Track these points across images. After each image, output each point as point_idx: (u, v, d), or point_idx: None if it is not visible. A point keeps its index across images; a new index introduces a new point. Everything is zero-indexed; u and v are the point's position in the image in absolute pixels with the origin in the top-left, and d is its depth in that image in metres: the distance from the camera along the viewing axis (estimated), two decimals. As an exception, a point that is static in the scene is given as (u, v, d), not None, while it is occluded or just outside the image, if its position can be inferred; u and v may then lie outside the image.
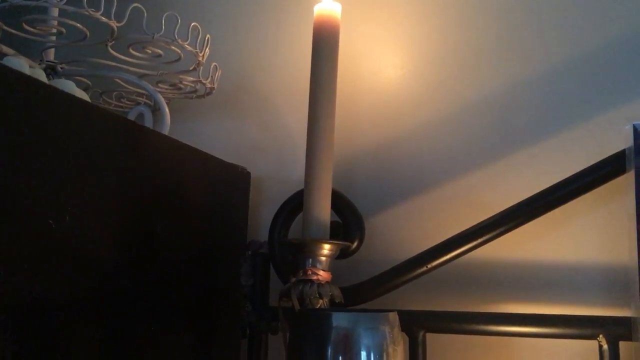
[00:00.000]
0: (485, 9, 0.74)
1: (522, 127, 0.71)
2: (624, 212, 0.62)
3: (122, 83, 0.70)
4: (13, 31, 0.58)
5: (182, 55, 0.65)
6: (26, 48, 0.61)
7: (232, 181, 0.74)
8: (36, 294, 0.42)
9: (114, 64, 0.66)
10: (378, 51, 0.78)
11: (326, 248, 0.62)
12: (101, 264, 0.49)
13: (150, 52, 0.64)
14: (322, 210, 0.63)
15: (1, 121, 0.39)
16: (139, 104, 0.73)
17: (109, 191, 0.50)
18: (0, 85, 0.39)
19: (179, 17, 0.61)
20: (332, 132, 0.65)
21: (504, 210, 0.65)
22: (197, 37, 0.64)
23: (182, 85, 0.72)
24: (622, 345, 0.59)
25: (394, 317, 0.50)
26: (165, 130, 0.64)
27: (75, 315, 0.46)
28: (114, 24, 0.57)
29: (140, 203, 0.54)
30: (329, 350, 0.47)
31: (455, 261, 0.66)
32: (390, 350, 0.48)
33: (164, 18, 0.60)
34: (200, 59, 0.66)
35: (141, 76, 0.68)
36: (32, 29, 0.59)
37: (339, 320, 0.48)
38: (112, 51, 0.63)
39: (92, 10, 0.54)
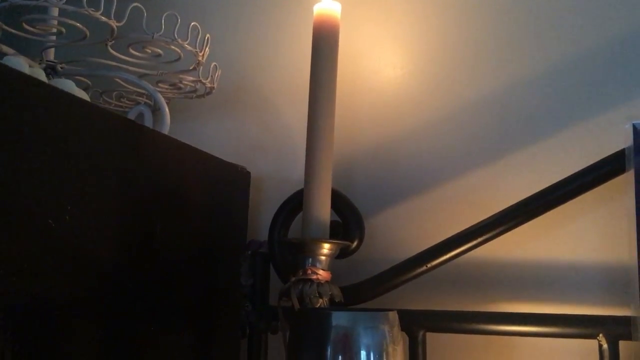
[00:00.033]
0: (485, 9, 0.74)
1: (521, 127, 0.71)
2: (623, 212, 0.62)
3: (122, 83, 0.70)
4: (13, 31, 0.58)
5: (182, 55, 0.65)
6: (26, 48, 0.61)
7: (232, 181, 0.74)
8: (36, 294, 0.42)
9: (114, 63, 0.66)
10: (378, 51, 0.78)
11: (326, 247, 0.62)
12: (101, 264, 0.49)
13: (150, 51, 0.64)
14: (322, 209, 0.63)
15: (1, 121, 0.39)
16: (139, 103, 0.73)
17: (109, 191, 0.50)
18: (0, 85, 0.39)
19: (178, 17, 0.61)
20: (332, 131, 0.65)
21: (503, 210, 0.65)
22: (197, 37, 0.64)
23: (182, 85, 0.72)
24: (622, 344, 0.59)
25: (393, 316, 0.50)
26: (165, 130, 0.64)
27: (75, 315, 0.46)
28: (113, 23, 0.57)
29: (140, 203, 0.54)
30: (329, 350, 0.47)
31: (455, 260, 0.66)
32: (390, 349, 0.48)
33: (163, 18, 0.60)
34: (200, 58, 0.66)
35: (141, 76, 0.68)
36: (32, 29, 0.59)
37: (339, 319, 0.48)
38: (112, 51, 0.63)
39: (92, 10, 0.55)
